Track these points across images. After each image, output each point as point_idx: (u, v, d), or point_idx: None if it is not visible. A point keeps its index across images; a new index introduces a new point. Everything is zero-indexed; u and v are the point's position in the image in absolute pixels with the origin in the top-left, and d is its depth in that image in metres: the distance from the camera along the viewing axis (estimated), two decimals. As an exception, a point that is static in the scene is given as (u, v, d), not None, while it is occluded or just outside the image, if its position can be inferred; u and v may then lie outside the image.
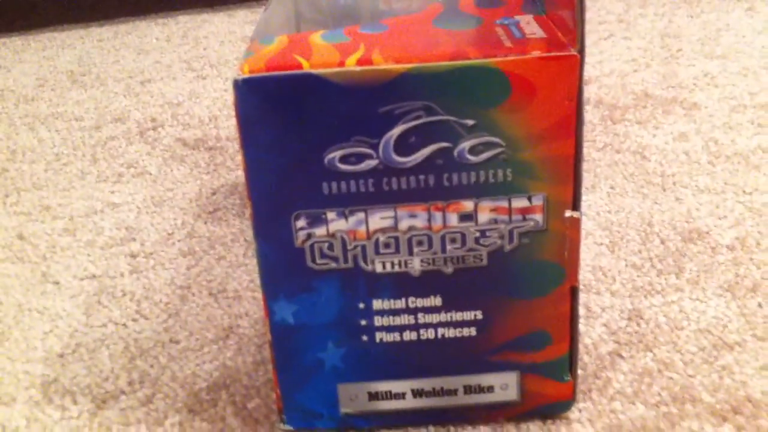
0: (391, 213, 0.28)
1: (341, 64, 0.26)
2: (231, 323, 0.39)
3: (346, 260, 0.29)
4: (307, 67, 0.26)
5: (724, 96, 0.59)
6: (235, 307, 0.40)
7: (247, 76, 0.26)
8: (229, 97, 0.69)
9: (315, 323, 0.30)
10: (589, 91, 0.62)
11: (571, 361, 0.31)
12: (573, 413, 0.32)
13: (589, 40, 0.73)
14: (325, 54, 0.27)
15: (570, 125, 0.27)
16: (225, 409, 0.34)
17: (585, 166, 0.51)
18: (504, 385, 0.31)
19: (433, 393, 0.31)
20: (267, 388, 0.35)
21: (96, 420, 0.34)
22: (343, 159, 0.27)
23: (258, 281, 0.42)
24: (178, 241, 0.47)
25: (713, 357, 0.34)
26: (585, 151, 0.53)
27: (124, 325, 0.40)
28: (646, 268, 0.41)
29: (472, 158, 0.28)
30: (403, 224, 0.29)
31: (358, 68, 0.26)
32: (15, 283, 0.44)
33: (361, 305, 0.30)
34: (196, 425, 0.33)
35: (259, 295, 0.41)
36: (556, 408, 0.32)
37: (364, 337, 0.30)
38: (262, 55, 0.27)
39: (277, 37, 0.29)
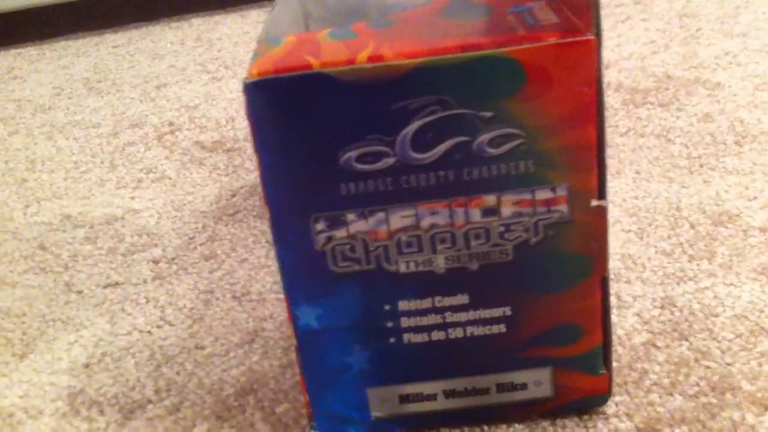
0: (411, 211, 0.28)
1: (351, 61, 0.26)
2: (256, 326, 0.39)
3: (368, 262, 0.28)
4: (317, 67, 0.26)
5: (747, 74, 0.58)
6: (260, 310, 0.40)
7: (256, 78, 0.26)
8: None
9: (339, 327, 0.29)
10: (609, 75, 0.61)
11: (605, 353, 0.30)
12: (609, 407, 0.31)
13: (607, 24, 0.72)
14: (334, 52, 0.26)
15: (590, 112, 0.26)
16: (253, 415, 0.33)
17: (609, 152, 0.50)
18: (537, 382, 0.30)
19: (465, 393, 0.31)
20: (295, 391, 0.34)
21: (124, 431, 0.33)
22: (360, 158, 0.27)
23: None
24: (200, 245, 0.47)
25: (751, 344, 0.34)
26: (608, 136, 0.52)
27: (149, 332, 0.40)
28: (676, 254, 0.40)
29: (492, 151, 0.27)
30: (425, 222, 0.28)
31: (369, 65, 0.26)
32: (38, 293, 0.44)
33: (387, 307, 0.29)
34: (224, 433, 0.33)
35: (283, 296, 0.41)
36: (592, 402, 0.31)
37: (392, 339, 0.30)
38: (270, 56, 0.27)
39: (285, 38, 0.29)
